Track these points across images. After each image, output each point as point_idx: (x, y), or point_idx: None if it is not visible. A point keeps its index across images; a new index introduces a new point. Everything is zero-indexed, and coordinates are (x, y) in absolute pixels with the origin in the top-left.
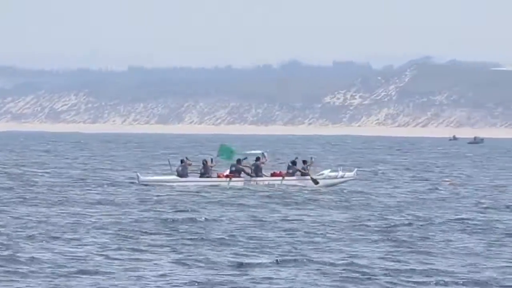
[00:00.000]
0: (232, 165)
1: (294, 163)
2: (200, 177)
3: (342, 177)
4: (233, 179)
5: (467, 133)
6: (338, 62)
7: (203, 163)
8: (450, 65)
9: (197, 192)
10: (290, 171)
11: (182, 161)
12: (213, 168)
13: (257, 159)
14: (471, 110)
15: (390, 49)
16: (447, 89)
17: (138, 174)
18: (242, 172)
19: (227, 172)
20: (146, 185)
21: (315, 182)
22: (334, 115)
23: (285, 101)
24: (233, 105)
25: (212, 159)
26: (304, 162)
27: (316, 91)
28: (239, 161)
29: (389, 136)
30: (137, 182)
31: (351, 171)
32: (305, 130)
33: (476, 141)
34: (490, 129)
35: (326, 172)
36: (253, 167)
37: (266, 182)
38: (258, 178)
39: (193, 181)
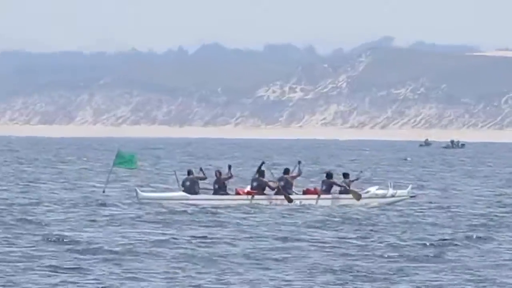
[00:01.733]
0: (253, 180)
1: (329, 175)
2: (214, 194)
3: (393, 196)
4: (256, 196)
5: (441, 135)
6: (272, 45)
7: (216, 175)
8: (416, 50)
9: (211, 212)
10: (324, 187)
11: (189, 173)
12: (229, 181)
13: (286, 171)
14: (444, 106)
15: (339, 30)
16: (412, 80)
17: (137, 189)
18: (267, 188)
19: (248, 188)
20: (147, 203)
21: (358, 197)
22: (268, 113)
23: (205, 95)
24: (138, 100)
25: (230, 168)
26: (345, 175)
27: (244, 83)
28: (261, 173)
29: (338, 140)
30: (136, 199)
31: (404, 188)
32: (231, 132)
33: (454, 145)
34: (468, 131)
35: (373, 189)
36: (281, 183)
37: (298, 202)
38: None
39: (205, 199)
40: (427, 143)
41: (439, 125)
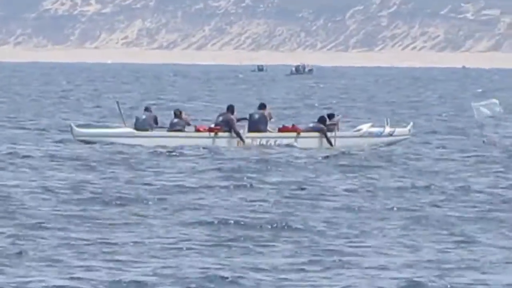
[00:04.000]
0: (220, 115)
1: (330, 116)
2: (169, 131)
3: (390, 134)
4: (220, 134)
5: (271, 58)
6: None
7: (175, 114)
8: None
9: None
10: (311, 125)
11: (146, 109)
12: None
13: (261, 106)
14: (275, 22)
15: None
16: None
17: (72, 124)
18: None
19: (212, 125)
20: (84, 141)
21: (330, 143)
22: (56, 31)
23: None
24: None
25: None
26: (330, 116)
27: None
28: (230, 108)
29: (145, 65)
30: (71, 136)
31: (403, 126)
32: (9, 55)
33: (299, 71)
34: (305, 52)
35: (365, 127)
36: (253, 118)
37: (272, 141)
38: (258, 134)
39: (158, 136)
40: (260, 69)
41: (268, 45)
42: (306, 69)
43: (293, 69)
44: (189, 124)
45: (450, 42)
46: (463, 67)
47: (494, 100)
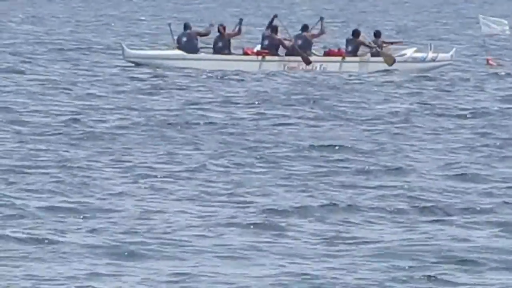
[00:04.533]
0: (264, 37)
1: (356, 33)
2: (214, 53)
3: (433, 60)
4: (267, 57)
5: None
6: None
7: (219, 31)
8: None
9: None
10: (350, 48)
11: (186, 26)
12: (235, 39)
13: (304, 28)
14: None
15: None
16: None
17: (124, 45)
18: (281, 47)
19: (258, 47)
20: (135, 62)
21: (390, 61)
22: None
23: None
24: None
25: (240, 24)
26: (376, 34)
27: None
28: (274, 28)
29: None
30: (122, 56)
31: (447, 51)
32: None
33: None
34: None
35: (410, 52)
36: (298, 41)
37: (318, 66)
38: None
39: (206, 59)
40: None
41: None
42: None
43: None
44: (237, 34)
45: None
46: None
47: (504, 20)
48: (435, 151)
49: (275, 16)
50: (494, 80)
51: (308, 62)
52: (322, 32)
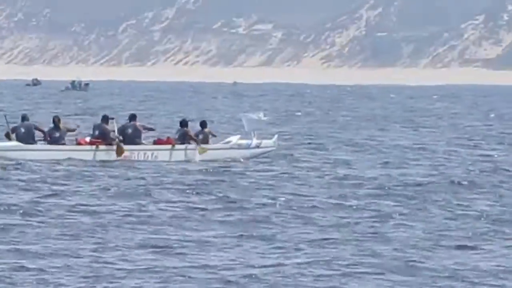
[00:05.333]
0: (95, 127)
1: (183, 123)
2: (49, 143)
3: (257, 146)
4: (100, 146)
5: (47, 73)
6: None
7: (53, 121)
8: None
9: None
10: (177, 136)
11: (24, 118)
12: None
13: (132, 117)
14: (48, 37)
15: None
16: (7, 4)
17: None
18: (110, 138)
19: (87, 139)
20: None
21: (202, 150)
22: None
23: None
24: None
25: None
26: (203, 124)
27: None
28: (105, 118)
29: None
30: None
31: (269, 138)
32: None
33: (75, 87)
34: (78, 67)
35: (235, 139)
36: (128, 130)
37: (149, 154)
38: (136, 147)
39: (41, 150)
40: (35, 83)
41: (41, 59)
42: (82, 84)
43: (69, 85)
44: (72, 130)
45: (222, 57)
46: (234, 83)
47: (260, 112)
48: None
49: (112, 118)
50: None
51: (120, 153)
52: (151, 128)
